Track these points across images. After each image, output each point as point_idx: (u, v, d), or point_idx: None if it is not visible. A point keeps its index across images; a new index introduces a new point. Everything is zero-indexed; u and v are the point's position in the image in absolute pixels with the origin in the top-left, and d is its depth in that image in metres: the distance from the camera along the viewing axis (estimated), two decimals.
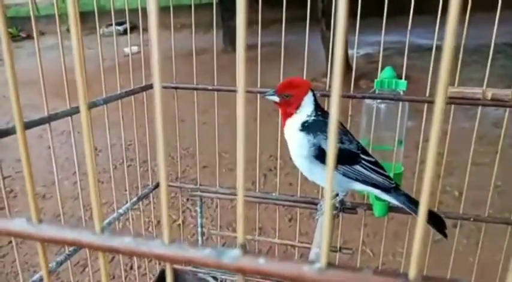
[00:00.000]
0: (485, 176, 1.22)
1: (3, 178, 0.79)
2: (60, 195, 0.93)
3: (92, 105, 0.99)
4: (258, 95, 1.12)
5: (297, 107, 0.94)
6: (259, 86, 1.13)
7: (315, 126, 0.91)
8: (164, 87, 1.05)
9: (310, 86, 0.94)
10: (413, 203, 0.90)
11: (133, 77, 1.13)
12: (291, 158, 0.97)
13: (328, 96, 1.07)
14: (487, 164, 1.92)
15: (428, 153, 0.22)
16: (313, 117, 0.93)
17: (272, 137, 1.30)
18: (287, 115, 0.96)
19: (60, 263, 0.91)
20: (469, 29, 0.95)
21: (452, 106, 1.03)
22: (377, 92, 1.05)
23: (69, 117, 0.91)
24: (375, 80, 1.04)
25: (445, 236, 0.91)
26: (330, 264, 0.24)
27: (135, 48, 1.83)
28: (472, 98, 0.98)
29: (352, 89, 1.11)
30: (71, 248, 0.94)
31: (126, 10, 1.07)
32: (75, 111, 0.91)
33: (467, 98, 0.98)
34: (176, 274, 1.25)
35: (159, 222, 1.88)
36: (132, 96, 1.11)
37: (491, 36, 0.98)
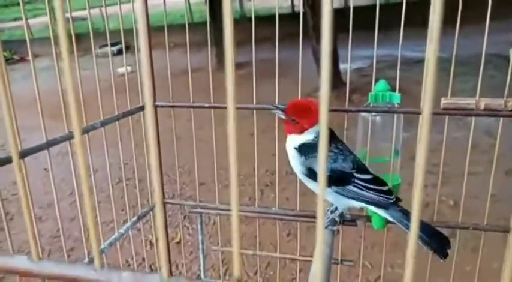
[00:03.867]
0: (479, 185, 1.23)
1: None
2: (58, 216, 0.93)
3: (90, 129, 0.99)
4: (255, 111, 1.13)
5: (301, 133, 0.94)
6: (254, 102, 1.14)
7: (310, 148, 0.92)
8: (161, 106, 1.06)
9: None
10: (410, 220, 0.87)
11: (129, 96, 1.13)
12: (287, 173, 0.98)
13: None
14: (480, 172, 1.93)
15: (417, 169, 0.23)
16: (311, 141, 0.93)
17: (267, 152, 1.31)
18: (289, 132, 0.96)
19: None
20: (459, 41, 0.97)
21: (446, 117, 1.04)
22: (371, 105, 1.06)
23: (68, 142, 0.92)
24: (369, 94, 1.05)
25: (445, 256, 0.87)
26: None
27: (129, 68, 1.85)
28: (466, 109, 0.99)
29: (347, 103, 1.12)
30: None
31: (121, 30, 1.08)
32: (73, 135, 0.91)
33: (460, 109, 0.99)
34: None
35: (157, 240, 1.87)
36: (130, 117, 1.12)
37: (480, 47, 0.98)
